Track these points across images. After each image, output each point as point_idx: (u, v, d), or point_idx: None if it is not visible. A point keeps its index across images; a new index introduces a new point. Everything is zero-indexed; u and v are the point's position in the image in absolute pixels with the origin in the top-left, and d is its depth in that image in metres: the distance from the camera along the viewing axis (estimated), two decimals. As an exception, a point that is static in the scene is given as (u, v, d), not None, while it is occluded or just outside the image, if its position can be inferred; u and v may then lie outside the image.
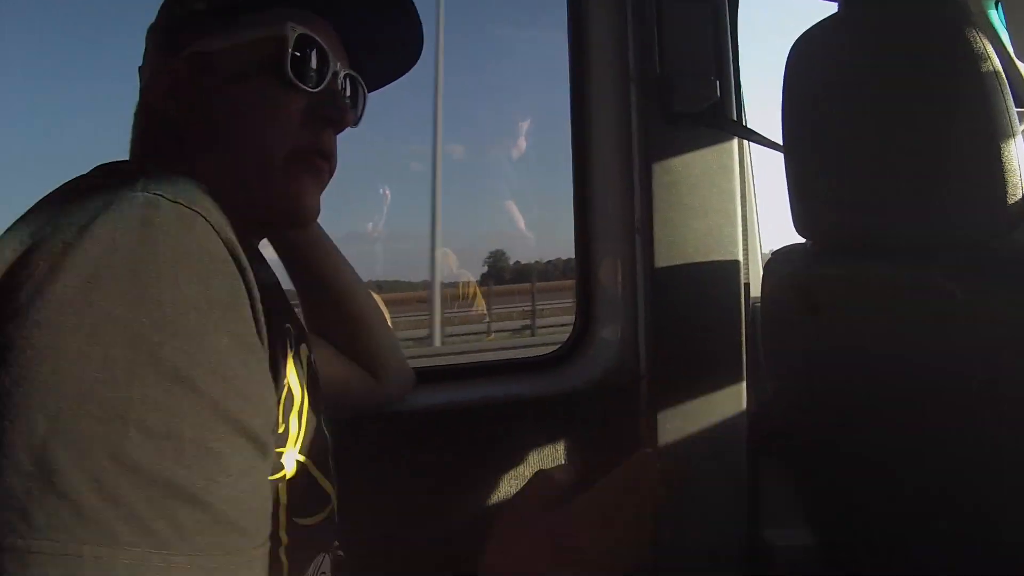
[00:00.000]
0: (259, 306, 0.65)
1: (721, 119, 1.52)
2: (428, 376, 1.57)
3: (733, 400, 1.53)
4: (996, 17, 1.83)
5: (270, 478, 0.68)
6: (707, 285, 1.50)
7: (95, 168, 0.78)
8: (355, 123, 1.00)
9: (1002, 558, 0.93)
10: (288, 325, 0.84)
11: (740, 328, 1.51)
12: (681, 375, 1.55)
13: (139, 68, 0.96)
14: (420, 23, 1.02)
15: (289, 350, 0.82)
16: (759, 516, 1.64)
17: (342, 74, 0.95)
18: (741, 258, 1.54)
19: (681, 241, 1.53)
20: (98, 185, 0.64)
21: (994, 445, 0.95)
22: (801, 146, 1.18)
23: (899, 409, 1.10)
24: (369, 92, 1.06)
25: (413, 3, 1.00)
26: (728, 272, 1.52)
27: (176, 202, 0.62)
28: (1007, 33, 1.79)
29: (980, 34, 0.90)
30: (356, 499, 1.45)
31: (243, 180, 0.87)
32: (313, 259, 1.28)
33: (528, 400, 1.61)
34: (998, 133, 0.88)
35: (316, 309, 1.32)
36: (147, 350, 0.54)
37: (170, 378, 0.55)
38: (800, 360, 1.33)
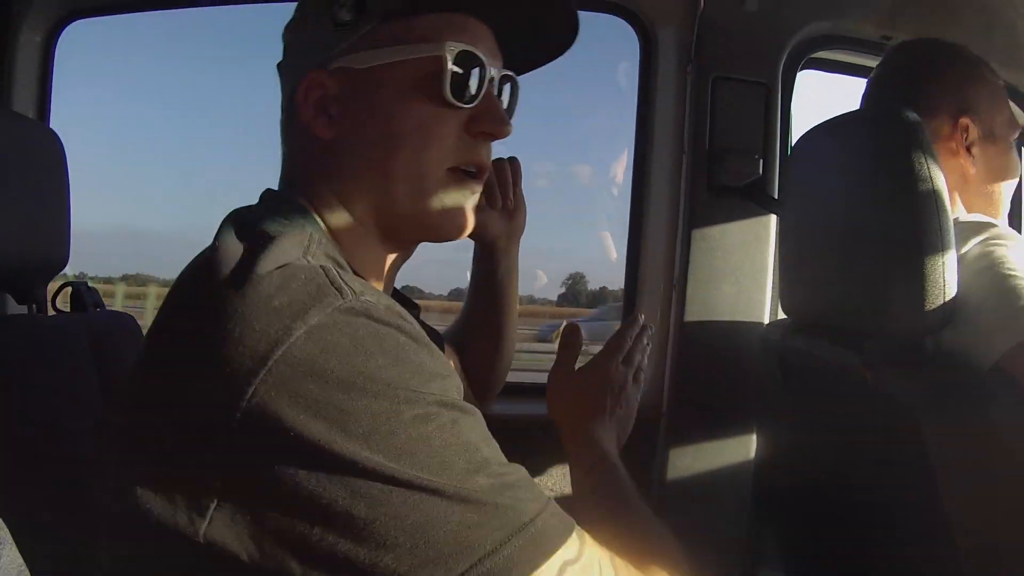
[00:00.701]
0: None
1: (759, 194, 1.69)
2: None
3: (742, 448, 1.70)
4: None
5: None
6: (731, 343, 1.67)
7: (268, 205, 0.86)
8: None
9: None
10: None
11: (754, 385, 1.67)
12: (696, 419, 1.75)
13: (278, 65, 0.96)
14: (575, 12, 0.96)
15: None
16: (759, 557, 1.80)
17: (498, 79, 0.92)
18: (767, 321, 1.71)
19: (712, 301, 1.73)
20: (287, 258, 0.71)
21: (894, 507, 1.13)
22: (788, 234, 1.35)
23: (840, 473, 1.28)
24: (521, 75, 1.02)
25: None
26: (752, 333, 1.67)
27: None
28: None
29: (925, 157, 1.04)
30: None
31: (399, 200, 0.87)
32: (499, 292, 1.34)
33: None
34: (928, 248, 1.02)
35: (475, 329, 1.39)
36: None
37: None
38: (777, 417, 1.51)
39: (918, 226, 1.03)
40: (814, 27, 1.82)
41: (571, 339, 1.26)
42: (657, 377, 1.82)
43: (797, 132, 1.88)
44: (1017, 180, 1.41)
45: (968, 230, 1.19)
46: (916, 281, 1.02)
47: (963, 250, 1.16)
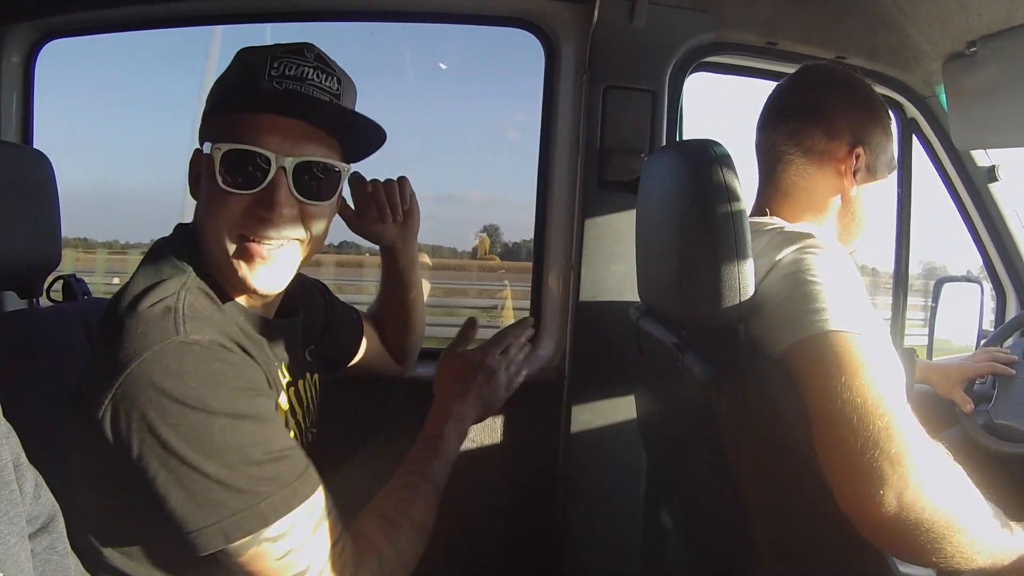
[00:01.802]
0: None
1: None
2: None
3: (626, 407, 1.98)
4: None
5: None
6: (618, 318, 1.86)
7: (174, 246, 1.20)
8: (325, 195, 1.20)
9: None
10: (285, 374, 1.29)
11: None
12: (591, 382, 2.05)
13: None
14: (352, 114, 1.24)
15: (283, 387, 1.27)
16: (657, 502, 2.10)
17: (290, 167, 1.13)
18: None
19: (603, 281, 2.02)
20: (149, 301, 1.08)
21: (702, 473, 1.39)
22: (642, 233, 1.59)
23: (674, 436, 1.56)
24: (361, 160, 1.33)
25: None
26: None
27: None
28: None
29: (727, 182, 1.22)
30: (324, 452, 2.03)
31: (215, 263, 1.18)
32: (398, 279, 1.67)
33: None
34: (725, 255, 1.20)
35: (387, 310, 1.73)
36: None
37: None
38: (640, 384, 1.79)
39: (716, 240, 1.20)
40: (699, 38, 2.06)
41: (468, 331, 1.62)
42: (560, 345, 2.13)
43: (690, 130, 2.14)
44: (883, 215, 1.58)
45: (788, 239, 1.32)
46: (713, 284, 1.20)
47: (779, 256, 1.28)
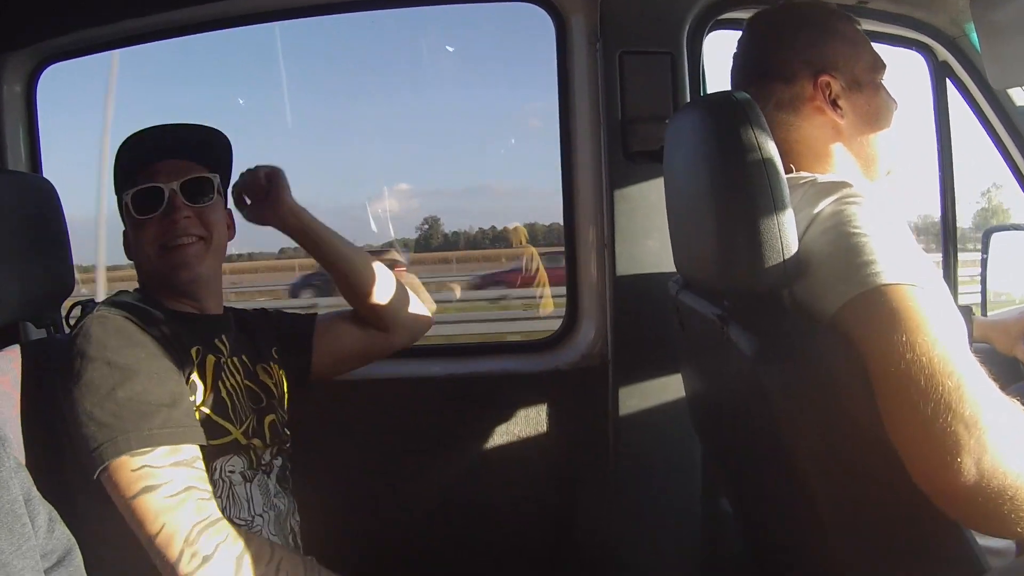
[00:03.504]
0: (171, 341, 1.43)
1: (667, 157, 1.85)
2: (440, 352, 2.01)
3: (677, 386, 1.87)
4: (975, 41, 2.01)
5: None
6: (657, 294, 1.79)
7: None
8: (210, 198, 1.54)
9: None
10: (198, 347, 1.49)
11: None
12: (636, 362, 1.96)
13: None
14: (215, 130, 1.62)
15: (195, 363, 1.48)
16: (714, 486, 2.01)
17: (178, 187, 1.49)
18: None
19: (638, 256, 1.93)
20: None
21: (758, 452, 1.30)
22: (672, 201, 1.50)
23: (724, 413, 1.47)
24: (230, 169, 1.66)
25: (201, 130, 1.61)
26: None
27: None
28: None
29: (754, 131, 1.15)
30: (370, 449, 1.98)
31: (154, 278, 1.53)
32: (307, 244, 1.75)
33: (522, 375, 2.07)
34: (761, 211, 1.12)
35: (333, 276, 1.79)
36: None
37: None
38: (685, 361, 1.71)
39: (751, 192, 1.12)
40: (714, -8, 1.96)
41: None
42: (600, 328, 2.04)
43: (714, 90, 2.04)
44: (892, 121, 1.46)
45: (823, 191, 1.23)
46: (753, 242, 1.11)
47: (816, 209, 1.19)
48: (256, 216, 1.73)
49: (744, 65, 1.49)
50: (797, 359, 1.12)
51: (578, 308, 2.10)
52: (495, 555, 2.07)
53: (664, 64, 1.91)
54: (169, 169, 1.51)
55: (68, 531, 0.96)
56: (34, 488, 0.92)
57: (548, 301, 4.90)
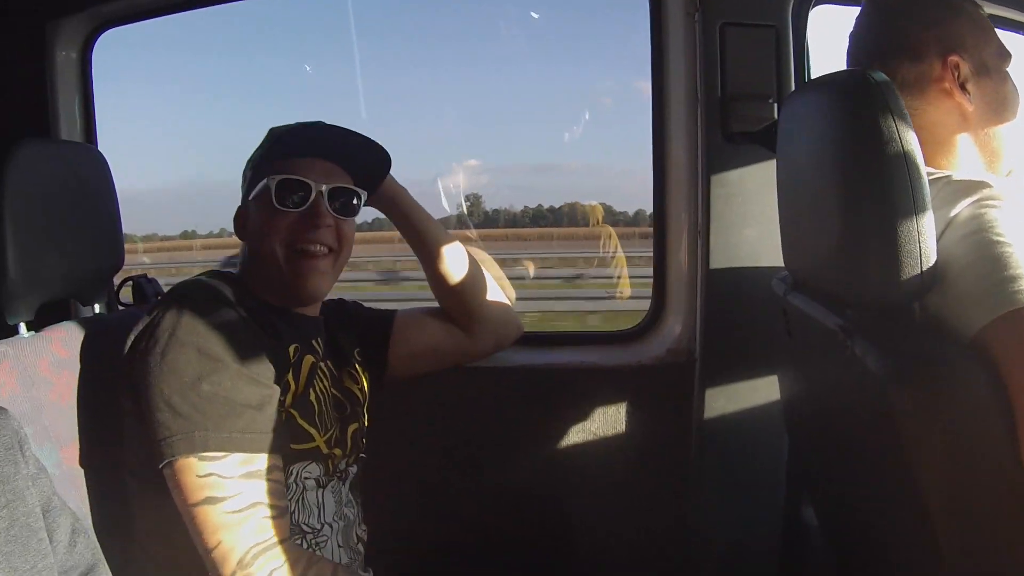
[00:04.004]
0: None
1: (774, 139, 1.70)
2: (520, 340, 1.89)
3: (766, 388, 1.76)
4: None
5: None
6: (755, 288, 1.69)
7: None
8: (352, 212, 1.49)
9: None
10: (296, 345, 1.43)
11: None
12: (727, 362, 1.83)
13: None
14: (379, 146, 1.54)
15: (292, 361, 1.41)
16: (799, 496, 1.88)
17: (326, 191, 1.43)
18: None
19: (735, 247, 1.78)
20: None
21: (872, 476, 1.18)
22: (787, 191, 1.36)
23: (831, 430, 1.35)
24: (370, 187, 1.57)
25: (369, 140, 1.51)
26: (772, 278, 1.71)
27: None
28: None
29: (894, 118, 1.02)
30: (439, 445, 1.87)
31: (267, 272, 1.44)
32: (400, 222, 1.70)
33: (602, 369, 1.94)
34: (900, 213, 1.00)
35: (421, 262, 1.72)
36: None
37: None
38: (787, 366, 1.57)
39: (888, 190, 1.01)
40: (823, -40, 1.78)
41: None
42: (688, 322, 1.90)
43: (817, 71, 1.89)
44: (1017, 112, 1.35)
45: (960, 190, 1.13)
46: (888, 247, 1.01)
47: (953, 212, 1.10)
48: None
49: (864, 41, 1.37)
50: (932, 383, 0.99)
51: (665, 299, 1.96)
52: (566, 556, 1.97)
53: (768, 38, 1.75)
54: (322, 169, 1.46)
55: (95, 543, 0.93)
56: (56, 496, 0.87)
57: (625, 283, 4.80)
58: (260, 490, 1.23)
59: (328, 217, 1.43)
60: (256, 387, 1.28)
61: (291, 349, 1.41)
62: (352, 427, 1.53)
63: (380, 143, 1.54)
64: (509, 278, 1.97)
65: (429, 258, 1.69)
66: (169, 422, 1.21)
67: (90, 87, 1.96)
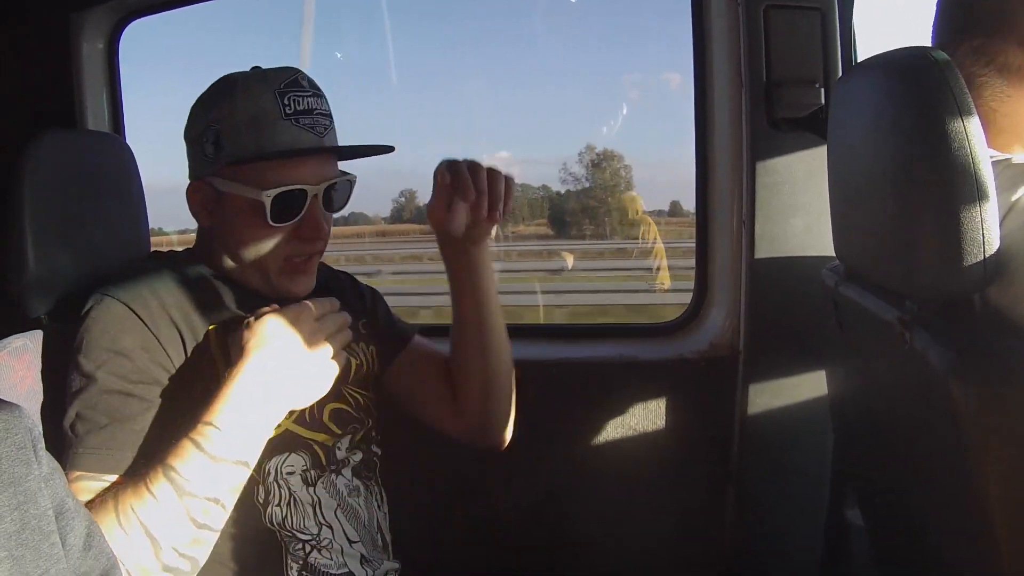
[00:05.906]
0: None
1: (821, 126, 1.64)
2: (554, 333, 1.85)
3: (819, 385, 1.69)
4: None
5: None
6: (802, 280, 1.64)
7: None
8: (342, 203, 1.40)
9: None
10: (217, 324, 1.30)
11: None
12: (773, 356, 1.77)
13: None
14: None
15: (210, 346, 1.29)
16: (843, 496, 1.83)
17: (321, 192, 1.31)
18: None
19: (781, 237, 1.72)
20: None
21: (928, 479, 1.14)
22: (838, 178, 1.31)
23: (885, 426, 1.29)
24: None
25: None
26: (822, 269, 1.66)
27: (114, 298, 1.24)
28: None
29: (956, 100, 0.96)
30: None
31: (248, 275, 1.34)
32: (465, 284, 1.44)
33: (641, 362, 1.89)
34: (961, 200, 0.95)
35: (454, 333, 1.49)
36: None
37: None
38: (838, 360, 1.52)
39: (949, 175, 0.95)
40: (871, -61, 1.74)
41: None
42: (732, 315, 1.84)
43: (864, 55, 1.82)
44: None
45: (1022, 174, 1.08)
46: (950, 235, 0.95)
47: (1016, 196, 1.05)
48: (464, 235, 1.35)
49: (966, 15, 1.25)
50: (999, 380, 0.94)
51: (708, 291, 1.91)
52: (602, 554, 1.93)
53: (814, 20, 1.69)
54: (314, 166, 1.31)
55: (109, 547, 0.87)
56: (70, 498, 0.82)
57: (665, 275, 4.75)
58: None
59: (323, 224, 1.33)
60: (118, 394, 1.19)
61: (211, 329, 1.29)
62: (330, 406, 1.37)
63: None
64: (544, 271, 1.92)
65: (471, 333, 1.47)
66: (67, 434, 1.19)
67: (117, 79, 1.94)
